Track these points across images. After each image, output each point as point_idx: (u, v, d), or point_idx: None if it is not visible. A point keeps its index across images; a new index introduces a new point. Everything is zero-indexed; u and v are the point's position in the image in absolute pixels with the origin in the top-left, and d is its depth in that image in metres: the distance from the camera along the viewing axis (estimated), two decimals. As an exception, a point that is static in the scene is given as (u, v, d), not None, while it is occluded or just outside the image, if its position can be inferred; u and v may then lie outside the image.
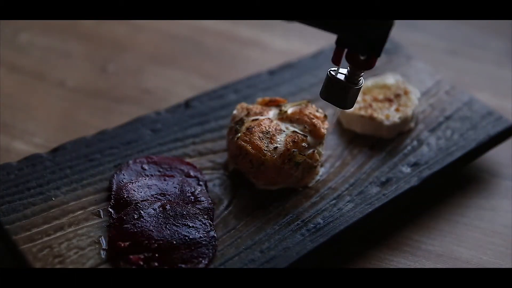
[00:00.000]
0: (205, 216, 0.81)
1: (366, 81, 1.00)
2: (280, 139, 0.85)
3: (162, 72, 1.16)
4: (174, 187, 0.84)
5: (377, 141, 0.95)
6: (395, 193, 0.87)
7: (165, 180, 0.85)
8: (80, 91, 1.11)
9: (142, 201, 0.81)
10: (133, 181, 0.84)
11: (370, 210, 0.84)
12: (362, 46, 0.74)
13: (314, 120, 0.87)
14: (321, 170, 0.90)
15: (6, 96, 1.08)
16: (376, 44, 0.73)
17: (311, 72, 1.06)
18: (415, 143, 0.95)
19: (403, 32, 1.27)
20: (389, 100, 0.97)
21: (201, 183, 0.86)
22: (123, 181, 0.85)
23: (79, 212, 0.81)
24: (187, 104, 0.98)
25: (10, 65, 1.14)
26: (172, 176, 0.86)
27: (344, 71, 0.78)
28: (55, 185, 0.83)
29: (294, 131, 0.86)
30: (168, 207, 0.80)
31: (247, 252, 0.78)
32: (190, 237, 0.78)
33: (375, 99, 0.97)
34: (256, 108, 0.89)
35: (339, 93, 0.78)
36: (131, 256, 0.76)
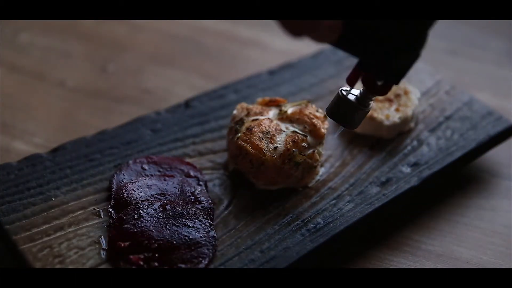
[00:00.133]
0: (205, 216, 0.81)
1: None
2: (280, 139, 0.85)
3: (162, 72, 1.16)
4: (174, 187, 0.84)
5: (377, 141, 0.95)
6: (395, 193, 0.87)
7: (165, 180, 0.85)
8: (80, 91, 1.11)
9: (142, 201, 0.81)
10: (133, 181, 0.84)
11: (370, 210, 0.84)
12: (385, 73, 0.74)
13: (314, 120, 0.87)
14: (321, 170, 0.90)
15: (6, 96, 1.08)
16: (399, 73, 0.73)
17: (311, 72, 1.06)
18: (415, 143, 0.95)
19: (403, 32, 1.27)
20: (389, 100, 0.97)
21: (201, 183, 0.86)
22: (123, 181, 0.85)
23: (79, 212, 0.81)
24: (187, 104, 0.98)
25: (10, 65, 1.15)
26: (172, 176, 0.86)
27: (355, 92, 0.77)
28: (55, 185, 0.83)
29: (294, 131, 0.86)
30: (168, 207, 0.80)
31: (247, 252, 0.78)
32: (190, 237, 0.78)
33: (375, 99, 0.97)
34: (256, 108, 0.89)
35: (347, 113, 0.77)
36: (131, 256, 0.76)
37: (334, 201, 0.85)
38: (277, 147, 0.84)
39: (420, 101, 1.00)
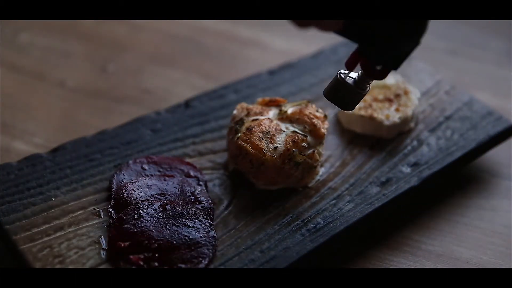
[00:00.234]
0: (205, 216, 0.81)
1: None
2: (280, 139, 0.85)
3: (162, 72, 1.16)
4: (174, 187, 0.84)
5: (377, 141, 0.95)
6: (395, 193, 0.87)
7: (165, 180, 0.85)
8: (80, 91, 1.11)
9: (142, 201, 0.81)
10: (133, 181, 0.84)
11: (370, 210, 0.84)
12: (384, 59, 0.75)
13: (314, 120, 0.87)
14: (321, 170, 0.90)
15: (6, 96, 1.08)
16: (398, 59, 0.75)
17: (311, 72, 1.06)
18: (415, 143, 0.95)
19: (403, 32, 1.27)
20: (389, 100, 0.97)
21: (201, 183, 0.86)
22: (123, 181, 0.85)
23: (79, 212, 0.81)
24: (187, 104, 0.98)
25: (10, 65, 1.14)
26: (172, 176, 0.86)
27: (353, 75, 0.78)
28: (55, 185, 0.83)
29: (294, 131, 0.86)
30: (168, 207, 0.80)
31: (247, 252, 0.78)
32: (190, 237, 0.78)
33: (375, 99, 0.97)
34: (256, 108, 0.89)
35: (344, 96, 0.79)
36: (131, 256, 0.76)
37: (334, 201, 0.85)
38: (277, 147, 0.84)
39: (420, 101, 1.00)
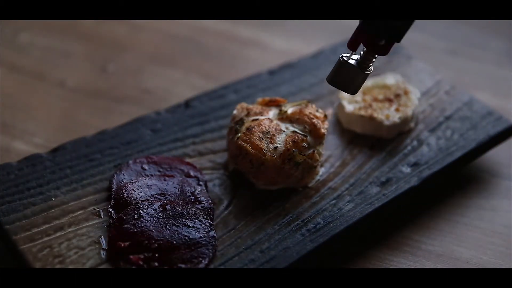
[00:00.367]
0: (205, 216, 0.81)
1: (366, 81, 1.00)
2: (280, 139, 0.85)
3: (162, 72, 1.16)
4: (174, 187, 0.84)
5: (377, 141, 0.95)
6: (395, 193, 0.87)
7: (165, 180, 0.85)
8: (80, 91, 1.11)
9: (142, 201, 0.81)
10: (133, 181, 0.84)
11: (370, 210, 0.84)
12: (387, 32, 0.76)
13: (314, 120, 0.87)
14: (321, 170, 0.90)
15: (6, 96, 1.08)
16: (400, 30, 0.75)
17: (311, 72, 1.06)
18: (415, 143, 0.95)
19: (403, 32, 1.27)
20: (389, 100, 0.97)
21: (201, 183, 0.86)
22: (123, 181, 0.85)
23: (79, 212, 0.81)
24: (187, 104, 0.98)
25: (10, 65, 1.15)
26: (172, 176, 0.86)
27: (355, 57, 0.79)
28: (55, 185, 0.83)
29: (294, 131, 0.86)
30: (168, 207, 0.80)
31: (247, 252, 0.78)
32: (190, 237, 0.78)
33: (375, 99, 0.97)
34: (256, 108, 0.89)
35: (348, 78, 0.80)
36: (131, 256, 0.76)
37: (334, 201, 0.85)
38: (277, 147, 0.84)
39: (420, 101, 1.00)
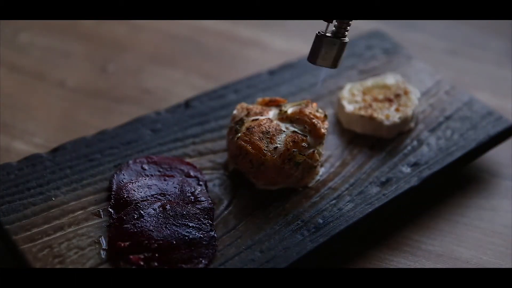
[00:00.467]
0: (205, 216, 0.81)
1: (366, 81, 1.00)
2: (280, 139, 0.85)
3: (162, 72, 1.16)
4: (174, 187, 0.84)
5: (377, 141, 0.95)
6: (395, 193, 0.87)
7: (165, 180, 0.85)
8: (80, 91, 1.11)
9: (142, 201, 0.81)
10: (133, 181, 0.84)
11: (370, 210, 0.84)
12: None
13: (314, 120, 0.87)
14: (321, 170, 0.90)
15: (6, 96, 1.08)
16: None
17: (311, 72, 1.06)
18: (415, 143, 0.95)
19: (403, 32, 1.27)
20: (389, 100, 0.97)
21: (201, 183, 0.86)
22: (123, 181, 0.85)
23: (79, 212, 0.81)
24: (187, 104, 0.98)
25: (10, 65, 1.14)
26: (172, 176, 0.86)
27: (329, 31, 0.82)
28: (55, 185, 0.83)
29: (294, 131, 0.86)
30: (168, 207, 0.80)
31: (247, 252, 0.78)
32: (190, 237, 0.78)
33: (375, 99, 0.97)
34: (256, 108, 0.89)
35: (327, 51, 0.82)
36: (131, 256, 0.76)
37: (334, 201, 0.85)
38: (277, 147, 0.84)
39: (420, 101, 1.00)
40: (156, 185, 0.84)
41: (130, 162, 0.88)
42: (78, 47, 1.20)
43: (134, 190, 0.83)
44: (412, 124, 0.97)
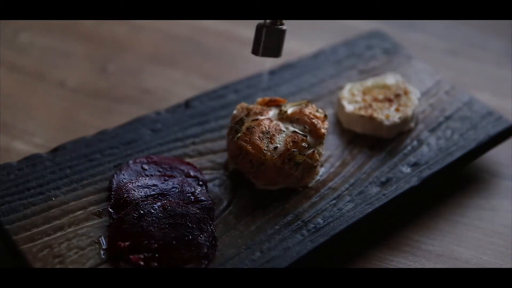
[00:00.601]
0: (205, 216, 0.81)
1: (366, 81, 1.00)
2: (280, 139, 0.85)
3: (162, 72, 1.16)
4: (174, 187, 0.84)
5: (377, 141, 0.95)
6: (395, 193, 0.87)
7: (165, 180, 0.85)
8: (80, 91, 1.11)
9: (142, 201, 0.81)
10: (133, 181, 0.84)
11: (370, 210, 0.84)
12: None
13: (314, 120, 0.87)
14: (321, 170, 0.90)
15: (6, 96, 1.08)
16: None
17: (311, 72, 1.06)
18: (415, 143, 0.95)
19: (403, 32, 1.27)
20: (389, 100, 0.97)
21: (201, 183, 0.86)
22: (123, 181, 0.85)
23: (79, 212, 0.81)
24: (187, 104, 0.98)
25: (10, 65, 1.14)
26: (172, 176, 0.86)
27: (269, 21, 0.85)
28: (55, 185, 0.83)
29: (294, 131, 0.86)
30: (168, 207, 0.80)
31: (247, 252, 0.78)
32: (190, 237, 0.78)
33: (375, 99, 0.97)
34: (256, 108, 0.89)
35: (270, 40, 0.85)
36: (131, 256, 0.76)
37: (334, 201, 0.85)
38: (277, 147, 0.84)
39: (420, 101, 1.00)
40: (156, 185, 0.84)
41: (130, 162, 0.88)
42: (78, 47, 1.20)
43: (134, 190, 0.83)
44: (412, 124, 0.97)
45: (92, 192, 0.84)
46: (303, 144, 0.85)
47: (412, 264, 0.86)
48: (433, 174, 0.90)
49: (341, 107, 0.97)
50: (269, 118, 0.87)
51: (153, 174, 0.86)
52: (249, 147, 0.84)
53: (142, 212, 0.80)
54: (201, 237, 0.78)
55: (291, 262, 0.77)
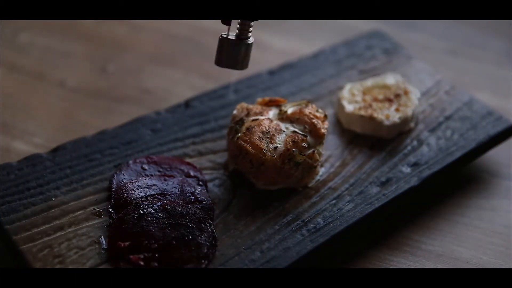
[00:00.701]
0: (205, 216, 0.81)
1: (366, 81, 1.00)
2: (280, 139, 0.85)
3: (162, 72, 1.16)
4: (174, 187, 0.84)
5: (377, 141, 0.95)
6: (395, 193, 0.87)
7: (165, 180, 0.85)
8: (80, 91, 1.11)
9: (142, 201, 0.81)
10: (133, 181, 0.84)
11: (370, 210, 0.84)
12: None
13: (314, 120, 0.87)
14: (321, 170, 0.90)
15: (6, 96, 1.08)
16: None
17: (311, 72, 1.06)
18: (415, 143, 0.95)
19: (403, 32, 1.27)
20: (389, 100, 0.97)
21: (201, 183, 0.86)
22: (123, 181, 0.85)
23: (79, 212, 0.81)
24: (187, 104, 0.98)
25: (10, 65, 1.14)
26: (172, 176, 0.86)
27: (233, 34, 0.82)
28: (55, 185, 0.83)
29: (294, 131, 0.86)
30: (168, 207, 0.80)
31: (247, 252, 0.78)
32: (190, 237, 0.78)
33: (375, 99, 0.97)
34: (256, 108, 0.89)
35: (233, 54, 0.82)
36: (131, 256, 0.76)
37: (334, 201, 0.85)
38: (277, 147, 0.84)
39: (420, 101, 1.00)
40: (156, 185, 0.84)
41: (130, 162, 0.88)
42: (78, 47, 1.20)
43: (134, 190, 0.83)
44: (412, 124, 0.97)
45: (92, 192, 0.84)
46: (303, 144, 0.85)
47: (412, 264, 0.86)
48: (433, 174, 0.90)
49: (341, 107, 0.97)
50: (269, 118, 0.87)
51: (153, 174, 0.86)
52: (249, 147, 0.84)
53: (142, 212, 0.80)
54: (201, 237, 0.78)
55: (291, 262, 0.77)
